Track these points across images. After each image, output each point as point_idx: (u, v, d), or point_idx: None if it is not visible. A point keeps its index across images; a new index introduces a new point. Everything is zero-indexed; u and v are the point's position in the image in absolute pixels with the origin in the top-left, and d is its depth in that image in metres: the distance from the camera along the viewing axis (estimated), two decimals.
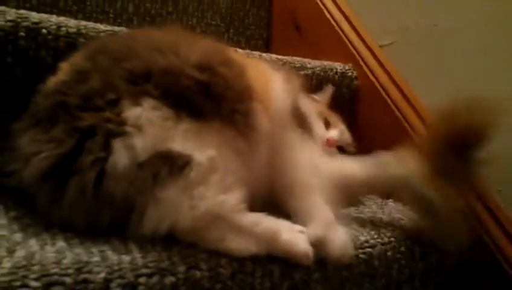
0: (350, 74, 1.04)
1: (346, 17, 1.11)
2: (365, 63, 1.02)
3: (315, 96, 0.91)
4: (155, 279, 0.49)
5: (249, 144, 0.62)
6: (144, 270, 0.49)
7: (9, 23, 0.69)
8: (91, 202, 0.51)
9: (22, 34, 0.70)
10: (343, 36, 1.09)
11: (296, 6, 1.25)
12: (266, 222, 0.57)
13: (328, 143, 0.83)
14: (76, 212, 0.51)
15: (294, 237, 0.57)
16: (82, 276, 0.46)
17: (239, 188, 0.57)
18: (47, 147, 0.52)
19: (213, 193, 0.55)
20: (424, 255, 0.72)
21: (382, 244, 0.68)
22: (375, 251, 0.67)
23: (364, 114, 1.02)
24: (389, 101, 0.95)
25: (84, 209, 0.51)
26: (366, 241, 0.67)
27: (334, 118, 0.87)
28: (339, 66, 1.03)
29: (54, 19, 0.74)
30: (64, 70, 0.58)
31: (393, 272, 0.69)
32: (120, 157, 0.52)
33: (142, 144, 0.53)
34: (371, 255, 0.66)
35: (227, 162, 0.57)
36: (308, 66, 0.97)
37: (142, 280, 0.48)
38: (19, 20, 0.70)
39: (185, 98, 0.57)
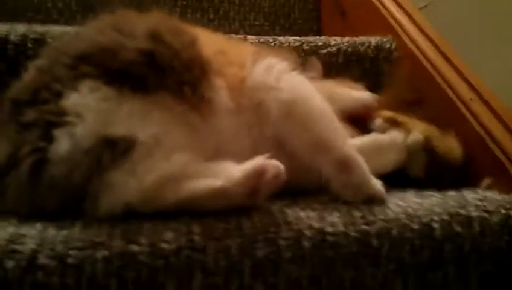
0: (388, 45, 0.92)
1: None
2: (404, 31, 0.90)
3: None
4: (87, 252, 0.47)
5: (205, 118, 0.59)
6: (77, 244, 0.48)
7: None
8: (30, 190, 0.52)
9: None
10: (382, 8, 0.98)
11: None
12: (223, 163, 0.54)
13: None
14: (18, 201, 0.53)
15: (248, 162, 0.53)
16: (11, 246, 0.46)
17: (187, 152, 0.54)
18: (1, 148, 0.54)
19: (158, 162, 0.53)
20: (450, 232, 0.58)
21: (385, 220, 0.57)
22: (374, 228, 0.56)
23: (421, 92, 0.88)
24: (430, 69, 0.81)
25: (24, 197, 0.52)
26: (362, 217, 0.57)
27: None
28: (373, 39, 0.92)
29: None
30: (28, 70, 0.60)
31: (404, 255, 0.57)
32: (61, 144, 0.52)
33: (83, 131, 0.52)
34: (366, 232, 0.55)
35: (174, 137, 0.55)
36: (332, 43, 0.89)
37: (72, 252, 0.47)
38: None
39: (127, 72, 0.55)
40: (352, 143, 0.68)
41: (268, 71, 0.64)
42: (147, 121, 0.55)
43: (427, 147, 0.69)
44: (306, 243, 0.53)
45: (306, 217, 0.55)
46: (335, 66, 0.89)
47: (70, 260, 0.47)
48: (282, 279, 0.53)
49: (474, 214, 0.59)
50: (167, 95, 0.57)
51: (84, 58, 0.57)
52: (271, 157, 0.55)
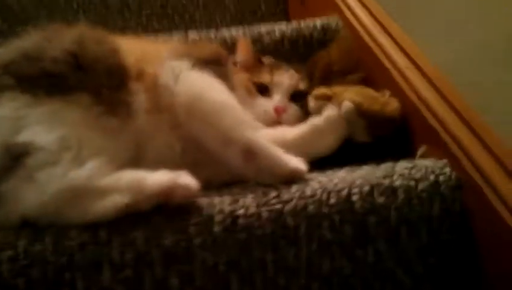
0: (334, 25, 0.90)
1: None
2: (348, 8, 0.88)
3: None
4: None
5: (122, 120, 0.59)
6: None
7: None
8: None
9: None
10: None
11: None
12: (132, 173, 0.53)
13: (278, 112, 0.73)
14: None
15: (161, 175, 0.52)
16: None
17: (98, 158, 0.53)
18: None
19: (63, 170, 0.52)
20: (372, 204, 0.56)
21: (301, 198, 0.55)
22: (288, 207, 0.55)
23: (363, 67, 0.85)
24: (368, 40, 0.79)
25: None
26: (277, 197, 0.55)
27: (266, 76, 0.76)
28: (319, 21, 0.91)
29: None
30: None
31: (324, 232, 0.55)
32: None
33: None
34: (280, 212, 0.54)
35: (86, 138, 0.55)
36: (276, 29, 0.89)
37: None
38: None
39: (47, 73, 0.57)
40: (292, 133, 0.69)
41: (169, 73, 0.64)
42: (56, 124, 0.55)
43: (360, 111, 0.68)
44: (216, 228, 0.53)
45: (219, 202, 0.55)
46: (281, 53, 0.87)
47: None
48: (197, 267, 0.52)
49: (398, 183, 0.57)
50: (86, 96, 0.58)
51: (7, 67, 0.58)
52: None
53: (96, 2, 1.19)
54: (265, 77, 0.76)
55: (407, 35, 0.73)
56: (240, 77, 0.76)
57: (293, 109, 0.75)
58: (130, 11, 1.22)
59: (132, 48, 0.66)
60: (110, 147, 0.57)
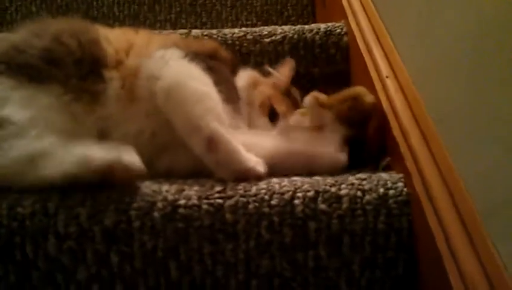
0: (339, 30, 0.89)
1: None
2: (354, 15, 0.86)
3: (270, 71, 0.80)
4: None
5: (90, 106, 0.65)
6: None
7: None
8: None
9: None
10: None
11: None
12: (83, 148, 0.57)
13: None
14: None
15: (108, 150, 0.55)
16: None
17: (58, 135, 0.59)
18: None
19: (25, 142, 0.58)
20: (314, 210, 0.55)
21: (243, 195, 0.56)
22: (228, 202, 0.56)
23: (355, 74, 0.84)
24: (362, 47, 0.77)
25: None
26: (221, 191, 0.57)
27: (284, 107, 0.75)
28: (323, 25, 0.90)
29: None
30: None
31: (262, 231, 0.55)
32: None
33: None
34: (220, 207, 0.56)
35: (52, 121, 0.62)
36: (278, 31, 0.89)
37: None
38: None
39: (28, 65, 0.64)
40: (267, 149, 0.67)
41: (158, 60, 0.68)
42: (30, 106, 0.62)
43: (322, 103, 0.69)
44: (156, 214, 0.55)
45: (165, 191, 0.57)
46: (281, 55, 0.88)
47: None
48: (136, 248, 0.55)
49: (344, 191, 0.56)
50: (56, 86, 0.65)
51: (1, 55, 0.66)
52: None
53: None
54: (282, 108, 0.77)
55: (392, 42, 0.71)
56: (263, 90, 0.77)
57: None
58: (160, 7, 1.29)
59: (116, 39, 0.71)
60: (73, 129, 0.63)
